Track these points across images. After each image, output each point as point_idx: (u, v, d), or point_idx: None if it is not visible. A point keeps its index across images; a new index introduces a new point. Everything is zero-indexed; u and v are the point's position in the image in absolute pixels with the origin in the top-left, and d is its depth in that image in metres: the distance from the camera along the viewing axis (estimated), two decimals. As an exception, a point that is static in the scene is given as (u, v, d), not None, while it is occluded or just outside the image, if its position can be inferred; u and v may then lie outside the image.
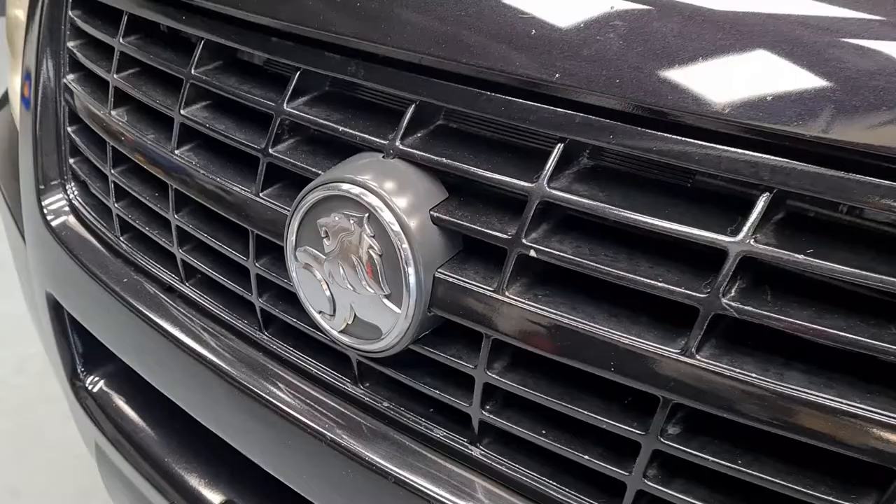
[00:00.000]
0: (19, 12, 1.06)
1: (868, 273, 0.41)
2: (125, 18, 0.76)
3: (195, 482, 0.81)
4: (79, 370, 0.92)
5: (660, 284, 0.45)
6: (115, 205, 0.80)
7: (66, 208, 0.88)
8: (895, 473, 0.41)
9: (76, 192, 0.89)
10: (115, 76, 0.76)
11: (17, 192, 0.99)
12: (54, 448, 1.71)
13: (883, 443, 0.41)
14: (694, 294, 0.44)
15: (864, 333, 0.41)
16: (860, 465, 0.42)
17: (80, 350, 0.92)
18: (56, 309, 0.90)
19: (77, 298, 0.86)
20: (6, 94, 1.23)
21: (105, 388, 0.92)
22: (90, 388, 0.92)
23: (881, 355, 0.40)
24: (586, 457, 0.50)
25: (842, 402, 0.42)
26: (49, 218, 0.87)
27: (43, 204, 0.88)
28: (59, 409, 1.76)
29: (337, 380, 0.63)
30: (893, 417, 0.41)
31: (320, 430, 0.62)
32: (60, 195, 0.88)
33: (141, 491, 0.84)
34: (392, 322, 0.54)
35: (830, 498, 0.43)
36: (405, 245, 0.52)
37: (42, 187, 0.88)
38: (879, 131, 0.40)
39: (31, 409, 1.84)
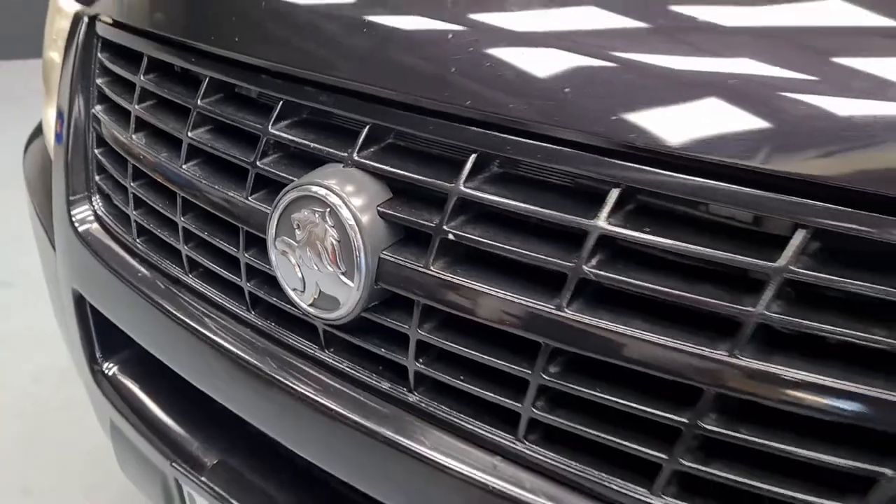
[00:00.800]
0: (55, 55, 1.24)
1: (687, 245, 0.56)
2: (145, 60, 0.93)
3: (193, 447, 0.95)
4: (97, 356, 1.08)
5: (541, 256, 0.60)
6: (134, 212, 0.96)
7: (91, 217, 1.04)
8: (702, 391, 0.55)
9: (100, 204, 1.05)
10: (135, 107, 0.93)
11: (49, 208, 1.16)
12: (65, 449, 1.85)
13: (697, 371, 0.55)
14: (564, 263, 0.59)
15: (684, 289, 0.56)
16: (687, 388, 0.57)
17: (99, 339, 1.07)
18: (80, 303, 1.06)
19: (99, 292, 1.02)
20: (40, 126, 1.41)
21: (118, 372, 1.07)
22: (106, 371, 1.07)
23: (697, 305, 0.55)
24: (491, 394, 0.65)
25: (670, 341, 0.56)
26: (77, 225, 1.03)
27: (72, 214, 1.04)
28: (70, 415, 1.92)
29: (307, 347, 0.78)
30: (706, 351, 0.55)
31: (295, 388, 0.77)
32: (87, 206, 1.05)
33: (148, 457, 0.99)
34: (347, 294, 0.69)
35: (662, 412, 0.57)
36: (357, 234, 0.67)
37: (72, 199, 1.05)
38: (689, 140, 0.55)
39: (44, 415, 1.99)
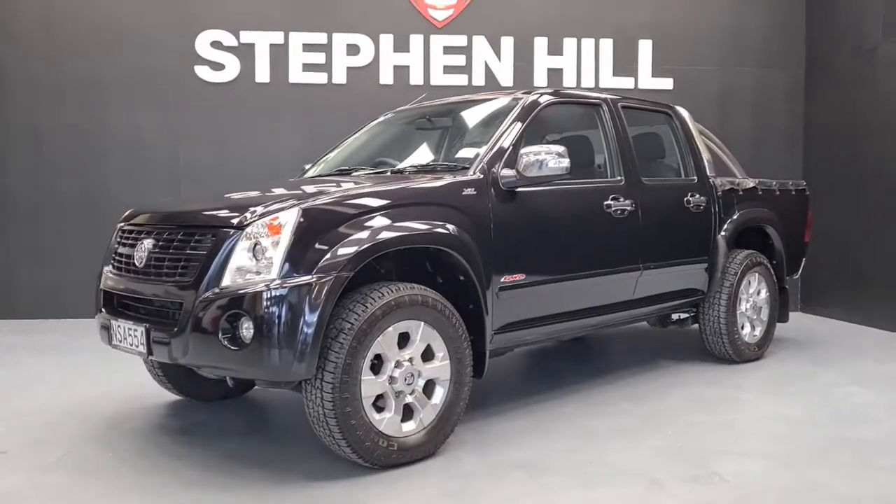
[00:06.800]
0: (112, 240, 4.50)
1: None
2: (123, 228, 4.14)
3: (108, 313, 3.97)
4: (101, 306, 4.11)
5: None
6: (114, 262, 4.09)
7: (109, 267, 4.18)
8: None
9: (110, 265, 4.18)
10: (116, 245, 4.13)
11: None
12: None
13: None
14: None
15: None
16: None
17: (103, 299, 4.13)
18: (99, 290, 4.14)
19: (107, 280, 4.09)
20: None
21: (103, 309, 4.09)
22: (102, 310, 4.09)
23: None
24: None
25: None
26: (104, 267, 4.18)
27: (105, 267, 4.20)
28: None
29: (133, 270, 3.86)
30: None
31: (130, 281, 3.83)
32: (108, 266, 4.19)
33: (104, 324, 3.99)
34: (144, 259, 3.78)
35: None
36: (147, 252, 3.80)
37: (105, 263, 4.19)
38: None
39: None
